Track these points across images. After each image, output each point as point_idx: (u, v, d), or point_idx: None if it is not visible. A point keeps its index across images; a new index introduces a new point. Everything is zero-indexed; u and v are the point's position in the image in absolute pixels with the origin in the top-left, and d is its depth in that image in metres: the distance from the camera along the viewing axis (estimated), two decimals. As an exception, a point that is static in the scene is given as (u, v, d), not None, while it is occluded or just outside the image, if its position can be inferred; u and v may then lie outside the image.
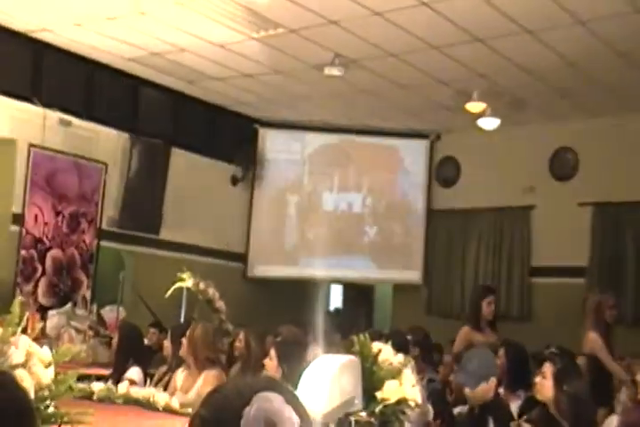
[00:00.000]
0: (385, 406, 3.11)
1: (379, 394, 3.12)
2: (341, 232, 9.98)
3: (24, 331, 2.68)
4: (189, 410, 3.86)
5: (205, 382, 4.53)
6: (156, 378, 5.16)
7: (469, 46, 6.92)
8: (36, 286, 7.79)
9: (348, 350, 3.22)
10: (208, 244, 9.31)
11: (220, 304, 6.60)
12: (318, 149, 10.12)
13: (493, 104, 8.11)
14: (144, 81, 8.64)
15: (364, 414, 3.09)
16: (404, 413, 3.16)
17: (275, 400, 1.11)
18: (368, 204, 10.07)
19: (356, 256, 9.88)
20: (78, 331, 7.15)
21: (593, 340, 5.27)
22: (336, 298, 11.31)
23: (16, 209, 7.69)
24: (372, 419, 3.07)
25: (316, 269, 9.80)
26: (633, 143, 8.54)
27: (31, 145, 7.74)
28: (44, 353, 2.60)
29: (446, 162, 9.99)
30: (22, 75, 7.68)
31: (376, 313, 10.71)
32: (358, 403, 3.05)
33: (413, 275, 9.88)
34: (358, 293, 11.04)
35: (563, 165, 9.11)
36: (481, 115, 8.30)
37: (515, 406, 3.99)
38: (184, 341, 4.80)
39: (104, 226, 8.43)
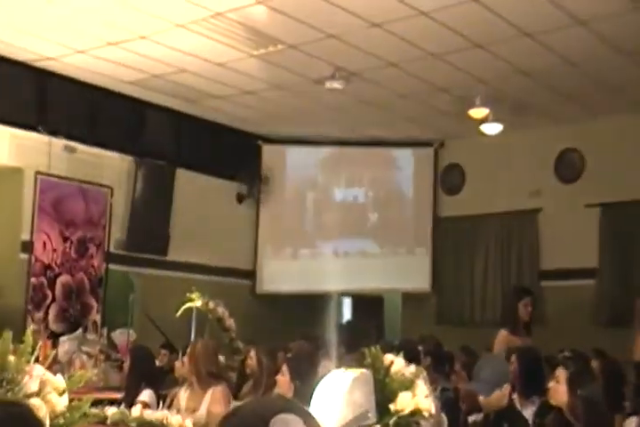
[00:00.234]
0: (399, 418, 3.10)
1: (392, 406, 3.11)
2: (347, 239, 10.01)
3: (37, 359, 2.70)
4: (202, 430, 3.87)
5: (213, 399, 4.51)
6: (168, 399, 5.15)
7: (469, 53, 6.94)
8: (46, 313, 7.82)
9: (360, 363, 3.22)
10: (216, 262, 9.33)
11: (230, 322, 6.62)
12: (322, 163, 10.16)
13: (496, 109, 8.12)
14: (146, 103, 8.71)
15: (378, 426, 3.08)
16: (418, 424, 3.16)
17: (294, 423, 1.11)
18: (373, 213, 10.08)
19: (365, 266, 9.89)
20: (89, 356, 7.16)
21: None
22: (345, 311, 11.29)
23: (24, 236, 7.75)
24: (387, 431, 3.06)
25: (324, 283, 9.82)
26: (638, 142, 8.53)
27: (37, 172, 7.81)
28: (58, 381, 2.61)
29: (451, 169, 10.00)
30: (27, 104, 7.77)
31: (386, 324, 10.69)
32: (372, 416, 3.04)
33: (422, 283, 9.87)
34: (367, 304, 11.02)
35: (568, 167, 9.10)
36: (484, 120, 8.32)
37: (529, 412, 3.97)
38: (185, 359, 4.77)
39: (112, 249, 8.46)
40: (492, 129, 8.48)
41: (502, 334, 5.41)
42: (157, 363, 6.44)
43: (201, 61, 7.40)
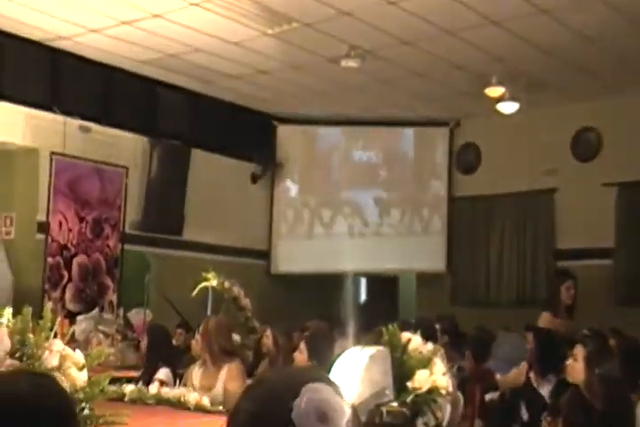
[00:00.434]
0: (416, 396, 3.11)
1: (409, 384, 3.12)
2: (363, 223, 10.00)
3: (54, 337, 2.71)
4: (220, 408, 3.89)
5: (229, 376, 4.50)
6: (184, 378, 5.18)
7: (485, 30, 6.86)
8: (63, 293, 7.87)
9: (377, 341, 3.23)
10: (231, 242, 9.35)
11: (246, 302, 6.65)
12: (337, 143, 10.13)
13: (512, 87, 8.04)
14: (161, 83, 8.69)
15: (395, 404, 3.09)
16: (435, 401, 3.16)
17: (325, 391, 1.08)
18: (389, 193, 10.06)
19: (380, 245, 9.88)
20: (106, 335, 7.21)
21: None
22: (360, 291, 11.31)
23: (41, 217, 7.78)
24: (404, 409, 3.08)
25: (339, 263, 9.83)
26: (657, 120, 8.43)
27: (53, 153, 7.83)
28: (78, 356, 2.63)
29: (467, 148, 9.93)
30: (42, 84, 7.77)
31: (401, 304, 10.69)
32: (389, 394, 3.05)
33: (437, 264, 9.86)
34: (382, 284, 11.04)
35: (585, 146, 9.01)
36: (500, 99, 8.24)
37: (546, 391, 3.97)
38: (198, 337, 4.78)
39: (127, 230, 8.49)
40: (508, 108, 8.41)
41: (545, 316, 5.34)
42: (174, 342, 6.48)
43: (216, 40, 7.35)
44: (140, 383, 4.43)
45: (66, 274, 7.95)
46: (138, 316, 7.90)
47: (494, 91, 8.07)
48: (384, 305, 9.87)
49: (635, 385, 4.20)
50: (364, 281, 11.31)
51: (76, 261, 8.04)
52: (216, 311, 6.96)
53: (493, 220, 9.61)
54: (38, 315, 2.70)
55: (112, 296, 8.31)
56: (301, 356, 4.04)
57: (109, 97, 8.37)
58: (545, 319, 5.29)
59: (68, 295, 7.92)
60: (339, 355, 3.13)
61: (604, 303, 8.21)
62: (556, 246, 9.18)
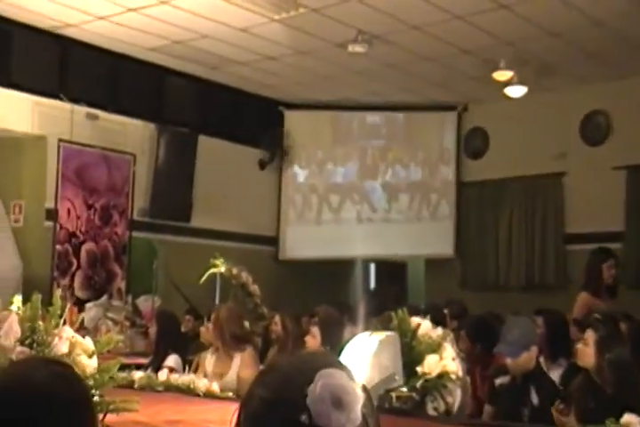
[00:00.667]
0: (426, 381, 3.11)
1: (419, 369, 3.12)
2: (372, 209, 9.99)
3: (64, 324, 2.72)
4: (230, 394, 3.89)
5: (243, 364, 4.51)
6: (194, 365, 5.20)
7: (493, 13, 6.81)
8: (72, 280, 7.90)
9: (386, 326, 3.22)
10: (239, 229, 9.35)
11: (254, 288, 6.65)
12: (345, 127, 10.09)
13: (521, 71, 7.99)
14: (168, 70, 8.67)
15: (404, 389, 3.09)
16: (445, 386, 3.16)
17: (339, 376, 1.07)
18: (397, 178, 10.04)
19: (389, 230, 9.88)
20: (115, 322, 7.24)
21: None
22: (369, 276, 11.31)
23: (49, 204, 7.80)
24: (414, 394, 3.07)
25: (347, 249, 9.83)
26: (667, 103, 8.36)
27: (60, 140, 7.83)
28: (87, 343, 2.64)
29: (475, 133, 9.89)
30: (49, 71, 7.76)
31: (410, 289, 10.70)
32: (399, 379, 3.05)
33: (446, 249, 9.85)
34: (390, 270, 11.04)
35: (594, 129, 8.95)
36: (508, 83, 8.20)
37: (556, 375, 3.96)
38: (210, 325, 4.79)
39: (135, 217, 8.51)
40: (516, 92, 8.36)
41: (583, 296, 5.05)
42: (182, 329, 6.50)
43: (223, 27, 7.32)
44: (150, 370, 4.43)
45: (74, 261, 7.97)
46: (146, 303, 7.92)
47: (502, 75, 8.02)
48: (393, 291, 9.87)
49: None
50: (372, 267, 11.30)
51: (84, 248, 8.07)
52: (224, 298, 6.98)
53: (502, 204, 9.58)
54: (47, 302, 2.70)
55: (120, 283, 8.33)
56: (314, 341, 4.04)
57: (116, 84, 8.36)
58: (583, 299, 5.03)
59: (76, 283, 7.95)
60: (348, 340, 3.13)
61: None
62: (565, 230, 9.15)
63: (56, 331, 2.59)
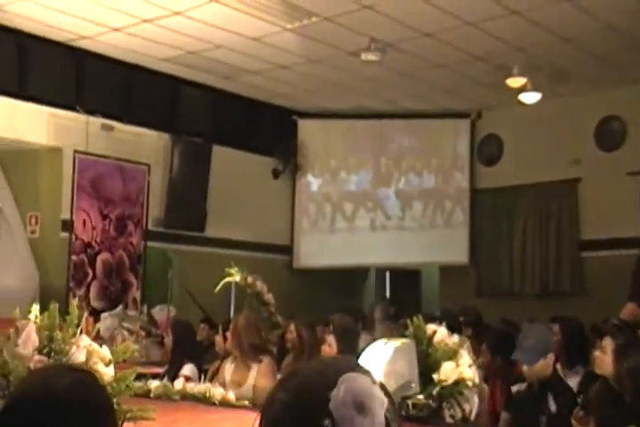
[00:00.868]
0: (442, 388, 3.09)
1: (435, 376, 3.10)
2: (385, 217, 9.98)
3: (80, 333, 2.73)
4: (246, 402, 3.89)
5: (260, 373, 4.51)
6: (209, 373, 5.21)
7: (506, 20, 6.81)
8: (87, 290, 7.93)
9: (402, 334, 3.21)
10: (253, 238, 9.37)
11: (269, 297, 6.65)
12: (358, 136, 10.10)
13: (534, 77, 7.97)
14: (182, 80, 8.72)
15: (421, 397, 3.08)
16: (461, 393, 3.14)
17: (361, 380, 1.06)
18: (411, 185, 10.02)
19: (403, 238, 9.86)
20: (130, 332, 7.25)
21: None
22: (382, 284, 11.29)
23: (65, 215, 7.85)
24: (430, 401, 3.06)
25: (361, 257, 9.82)
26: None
27: (76, 151, 7.89)
28: (104, 352, 2.65)
29: (488, 140, 9.88)
30: (65, 83, 7.82)
31: (424, 297, 10.67)
32: (415, 386, 3.04)
33: (460, 256, 9.82)
34: (404, 278, 11.01)
35: (609, 135, 8.91)
36: (522, 89, 8.17)
37: (574, 382, 3.94)
38: (227, 334, 4.79)
39: (150, 227, 8.54)
40: (530, 98, 8.34)
41: (628, 307, 4.92)
42: (197, 338, 6.50)
43: (236, 37, 7.36)
44: (166, 379, 4.44)
45: (90, 272, 8.01)
46: (161, 312, 7.94)
47: (516, 81, 8.00)
48: (407, 298, 9.85)
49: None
50: (386, 275, 11.28)
51: (99, 258, 8.10)
52: (239, 307, 6.98)
53: (516, 211, 9.55)
54: (64, 312, 2.71)
55: (136, 293, 8.36)
56: (330, 349, 4.03)
57: (131, 95, 8.41)
58: (629, 310, 4.93)
59: (92, 293, 7.98)
60: (363, 348, 3.12)
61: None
62: (580, 237, 9.10)
63: (73, 340, 2.60)
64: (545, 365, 3.46)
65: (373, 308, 7.78)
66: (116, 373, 2.66)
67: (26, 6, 6.77)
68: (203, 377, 4.77)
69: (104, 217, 8.15)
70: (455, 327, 4.19)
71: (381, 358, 2.93)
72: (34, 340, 2.59)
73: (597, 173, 8.93)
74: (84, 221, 7.98)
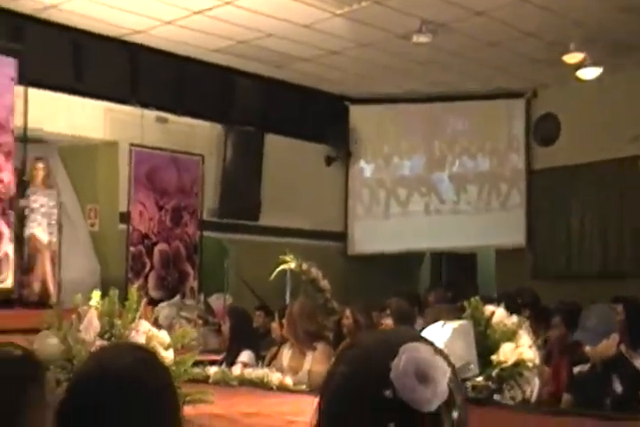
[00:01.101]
0: (502, 370, 3.05)
1: (494, 357, 3.06)
2: (440, 201, 9.90)
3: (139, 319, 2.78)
4: (303, 387, 3.91)
5: (315, 359, 4.51)
6: (267, 360, 5.24)
7: (560, -8, 6.64)
8: (146, 281, 8.07)
9: (459, 316, 3.18)
10: (307, 226, 9.39)
11: (324, 283, 6.66)
12: (411, 120, 10.01)
13: (592, 52, 7.70)
14: (233, 70, 8.76)
15: (480, 378, 3.04)
16: (521, 375, 3.09)
17: (424, 350, 1.03)
18: (465, 169, 9.91)
19: (458, 221, 9.77)
20: (188, 320, 7.34)
21: None
22: (438, 268, 11.21)
23: (122, 207, 7.99)
24: (489, 383, 3.02)
25: (416, 241, 9.76)
26: None
27: (132, 145, 8.02)
28: (163, 336, 2.69)
29: (545, 119, 9.66)
30: (120, 78, 7.95)
31: (480, 281, 10.55)
32: (474, 368, 3.01)
33: (517, 238, 9.68)
34: (460, 261, 10.91)
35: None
36: (579, 65, 7.92)
37: (638, 364, 3.83)
38: (283, 321, 4.81)
39: (205, 217, 8.63)
40: (589, 74, 8.06)
41: None
42: (254, 325, 6.55)
43: (286, 24, 7.36)
44: (224, 366, 4.49)
45: (148, 262, 8.14)
46: (218, 301, 8.03)
47: (573, 57, 7.75)
48: (463, 282, 9.74)
49: None
50: (441, 259, 11.20)
51: (157, 249, 8.23)
52: (295, 294, 7.00)
53: (575, 191, 9.34)
54: (123, 301, 2.76)
55: (193, 282, 8.47)
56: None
57: (183, 87, 8.49)
58: None
59: (150, 283, 8.11)
60: (420, 331, 3.10)
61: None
62: (641, 216, 8.87)
63: (133, 325, 2.65)
64: (608, 345, 3.38)
65: (429, 292, 7.75)
66: (175, 357, 2.70)
67: (80, 4, 6.90)
68: (260, 364, 4.81)
69: (160, 208, 8.27)
70: (513, 309, 4.12)
71: (439, 340, 2.90)
72: (95, 325, 2.64)
73: (659, 150, 8.66)
74: (141, 213, 8.11)
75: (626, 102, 8.83)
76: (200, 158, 8.59)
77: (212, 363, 4.63)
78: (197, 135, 8.57)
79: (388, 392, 0.99)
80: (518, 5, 6.88)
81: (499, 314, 3.15)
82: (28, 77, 6.76)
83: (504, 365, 3.03)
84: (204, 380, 4.04)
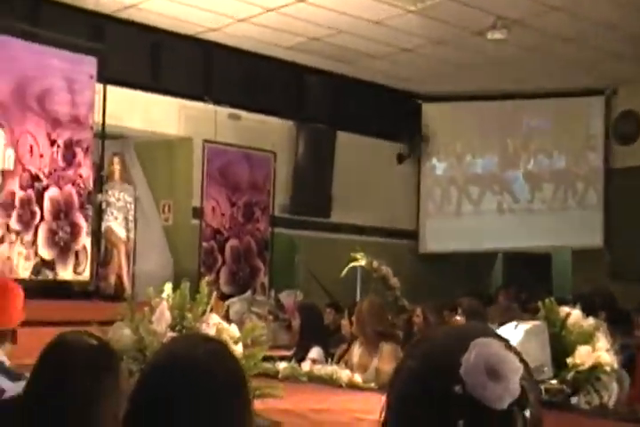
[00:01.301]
0: (577, 373, 2.96)
1: (569, 360, 2.97)
2: (513, 200, 9.72)
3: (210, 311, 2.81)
4: (372, 384, 3.89)
5: (382, 358, 4.49)
6: (336, 357, 5.23)
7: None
8: (217, 276, 8.17)
9: (533, 317, 3.10)
10: (378, 223, 9.35)
11: (395, 281, 6.61)
12: (484, 118, 9.86)
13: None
14: (305, 67, 8.81)
15: (554, 381, 2.96)
16: (598, 379, 3.00)
17: (495, 345, 0.99)
18: (540, 167, 9.70)
19: (532, 221, 9.57)
20: (259, 316, 7.40)
21: None
22: (510, 268, 11.01)
23: (195, 203, 8.12)
24: (564, 386, 2.94)
25: (488, 241, 9.61)
26: None
27: (205, 141, 8.13)
28: (233, 330, 2.71)
29: (625, 117, 9.40)
30: (194, 75, 8.09)
31: (554, 282, 10.32)
32: (548, 370, 2.93)
33: (594, 239, 9.43)
34: (534, 262, 10.68)
35: None
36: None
37: None
38: (352, 318, 4.79)
39: (276, 213, 8.69)
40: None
41: None
42: (324, 322, 6.55)
43: (358, 21, 7.34)
44: (293, 362, 4.50)
45: (220, 257, 8.24)
46: (289, 297, 8.06)
47: (657, 50, 7.49)
48: (536, 284, 9.54)
49: None
50: (514, 259, 10.99)
51: (228, 244, 8.32)
52: (365, 291, 6.98)
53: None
54: (194, 296, 2.79)
55: (263, 278, 8.53)
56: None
57: (256, 84, 8.57)
58: None
59: (222, 278, 8.21)
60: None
61: None
62: None
63: (203, 317, 2.68)
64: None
65: (498, 291, 7.62)
66: (244, 351, 2.72)
67: (158, 3, 7.04)
68: (330, 361, 4.80)
69: (232, 204, 8.36)
70: (589, 310, 4.00)
71: (511, 341, 2.84)
72: (167, 317, 2.68)
73: None
74: (214, 209, 8.22)
75: None
76: (272, 155, 8.65)
77: (282, 359, 4.65)
78: (269, 132, 8.63)
79: (457, 388, 0.95)
80: (596, -1, 6.70)
81: (575, 315, 3.07)
82: (106, 75, 6.92)
83: (580, 368, 2.94)
84: (274, 375, 4.06)
